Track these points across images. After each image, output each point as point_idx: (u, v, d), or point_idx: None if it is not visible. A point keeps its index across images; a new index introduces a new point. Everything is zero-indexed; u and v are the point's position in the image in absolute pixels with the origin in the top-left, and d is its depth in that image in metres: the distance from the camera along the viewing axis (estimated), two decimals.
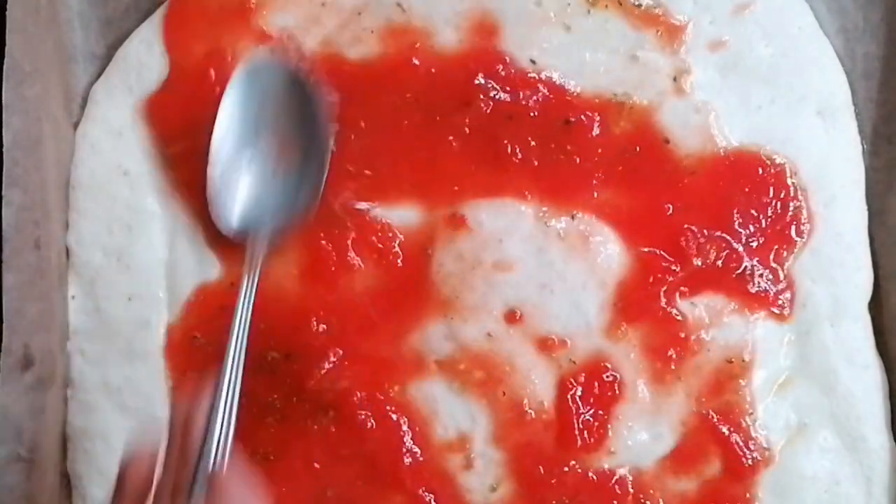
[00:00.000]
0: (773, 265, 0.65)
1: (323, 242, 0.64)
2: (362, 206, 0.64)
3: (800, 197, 0.65)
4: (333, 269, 0.63)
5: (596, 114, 0.64)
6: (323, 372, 0.63)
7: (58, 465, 0.64)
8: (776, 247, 0.65)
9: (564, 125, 0.64)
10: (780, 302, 0.64)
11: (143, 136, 0.65)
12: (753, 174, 0.65)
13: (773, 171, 0.65)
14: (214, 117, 0.62)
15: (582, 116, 0.64)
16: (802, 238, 0.65)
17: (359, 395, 0.63)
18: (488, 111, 0.64)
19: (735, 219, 0.64)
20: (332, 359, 0.63)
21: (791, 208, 0.65)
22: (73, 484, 0.65)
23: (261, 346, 0.62)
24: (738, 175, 0.65)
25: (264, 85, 0.63)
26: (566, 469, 0.63)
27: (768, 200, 0.65)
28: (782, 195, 0.65)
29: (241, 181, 0.63)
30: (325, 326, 0.63)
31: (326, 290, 0.63)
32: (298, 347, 0.63)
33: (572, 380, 0.63)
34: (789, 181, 0.65)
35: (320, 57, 0.65)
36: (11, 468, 0.60)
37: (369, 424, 0.63)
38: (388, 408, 0.63)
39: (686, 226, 0.64)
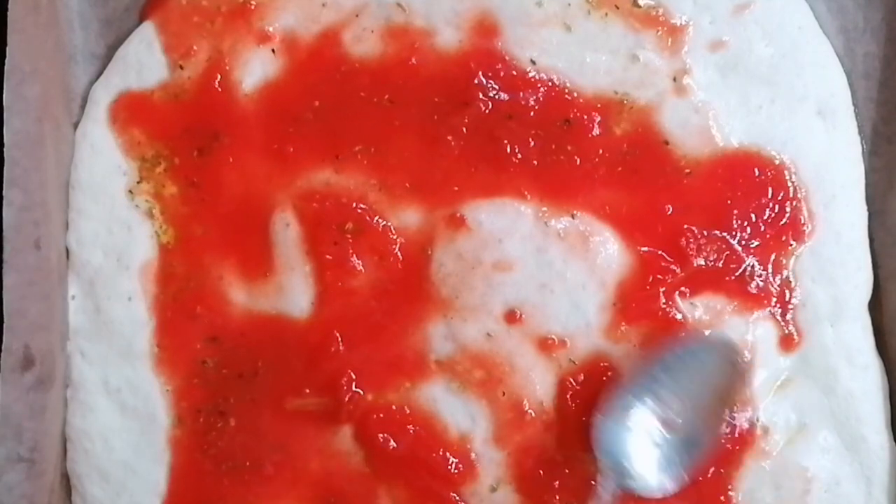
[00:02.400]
0: (773, 265, 0.65)
1: (329, 257, 0.64)
2: (362, 205, 0.64)
3: (800, 197, 0.65)
4: (340, 283, 0.63)
5: (596, 114, 0.64)
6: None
7: (58, 465, 0.64)
8: (776, 247, 0.65)
9: (564, 125, 0.64)
10: (779, 302, 0.64)
11: (137, 135, 0.66)
12: (753, 174, 0.65)
13: (772, 171, 0.65)
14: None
15: (582, 116, 0.64)
16: (802, 238, 0.65)
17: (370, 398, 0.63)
18: (488, 111, 0.64)
19: (735, 219, 0.64)
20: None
21: (790, 209, 0.65)
22: (72, 484, 0.65)
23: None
24: (737, 175, 0.65)
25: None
26: (566, 471, 0.63)
27: (768, 201, 0.65)
28: (781, 196, 0.65)
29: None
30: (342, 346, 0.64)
31: (338, 306, 0.64)
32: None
33: (572, 380, 0.63)
34: (789, 181, 0.65)
35: (320, 56, 0.65)
36: (11, 468, 0.60)
37: (380, 436, 0.63)
38: (392, 408, 0.63)
39: (686, 226, 0.64)
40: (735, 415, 0.62)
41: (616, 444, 0.60)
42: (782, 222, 0.65)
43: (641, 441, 0.60)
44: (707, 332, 0.63)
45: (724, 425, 0.62)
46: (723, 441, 0.62)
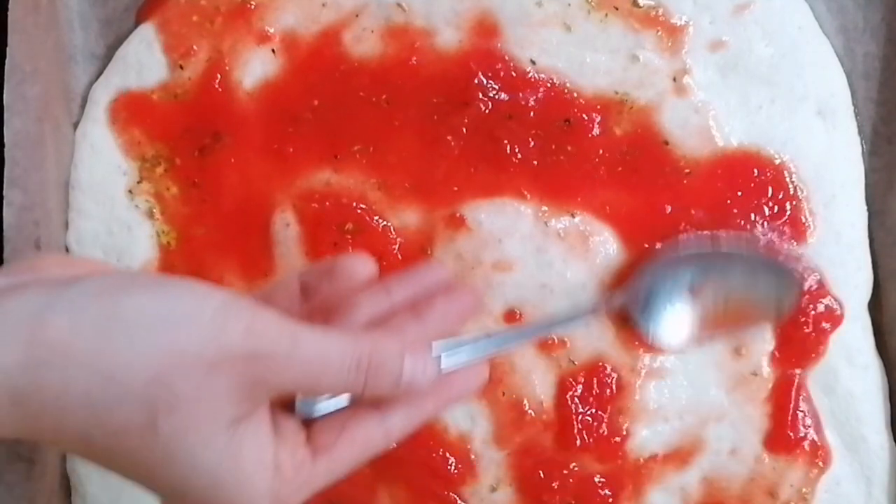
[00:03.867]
0: None
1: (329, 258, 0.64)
2: (362, 206, 0.64)
3: (800, 197, 0.65)
4: None
5: (596, 114, 0.64)
6: None
7: (58, 465, 0.64)
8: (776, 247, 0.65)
9: (564, 125, 0.64)
10: None
11: (137, 135, 0.66)
12: (753, 174, 0.65)
13: (772, 171, 0.65)
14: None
15: (582, 116, 0.64)
16: (803, 238, 0.64)
17: None
18: (488, 111, 0.64)
19: (735, 219, 0.64)
20: None
21: (790, 208, 0.65)
22: (72, 484, 0.65)
23: None
24: (737, 175, 0.64)
25: None
26: (566, 471, 0.63)
27: (767, 200, 0.64)
28: (781, 195, 0.65)
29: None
30: None
31: None
32: None
33: (572, 380, 0.63)
34: (789, 181, 0.65)
35: (320, 56, 0.65)
36: (11, 468, 0.60)
37: None
38: None
39: (685, 226, 0.64)
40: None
41: (654, 287, 0.60)
42: (782, 222, 0.65)
43: (673, 299, 0.60)
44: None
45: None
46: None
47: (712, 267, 0.61)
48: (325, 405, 0.45)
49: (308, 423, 0.44)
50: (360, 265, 0.50)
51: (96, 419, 0.38)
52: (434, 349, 0.45)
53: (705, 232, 0.63)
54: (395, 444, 0.47)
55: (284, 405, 0.44)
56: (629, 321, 0.62)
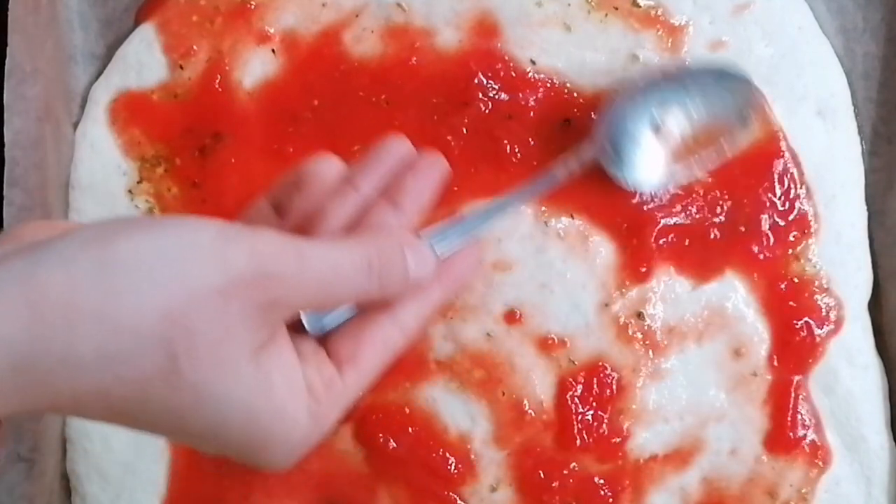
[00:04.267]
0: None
1: None
2: None
3: (804, 195, 0.65)
4: None
5: (596, 114, 0.64)
6: None
7: (58, 465, 0.64)
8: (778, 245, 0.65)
9: (564, 125, 0.64)
10: None
11: (137, 135, 0.66)
12: (754, 174, 0.65)
13: (776, 168, 0.65)
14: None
15: (582, 116, 0.64)
16: (806, 235, 0.64)
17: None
18: (487, 111, 0.64)
19: (739, 216, 0.64)
20: None
21: (798, 206, 0.64)
22: (72, 484, 0.65)
23: None
24: (737, 175, 0.64)
25: None
26: (566, 472, 0.63)
27: (768, 200, 0.64)
28: (790, 193, 0.64)
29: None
30: None
31: None
32: None
33: (572, 380, 0.63)
34: (797, 178, 0.64)
35: (320, 56, 0.65)
36: (11, 468, 0.60)
37: (379, 436, 0.63)
38: (392, 408, 0.63)
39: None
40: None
41: (617, 131, 0.60)
42: (783, 223, 0.65)
43: (639, 138, 0.60)
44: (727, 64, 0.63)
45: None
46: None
47: (668, 97, 0.61)
48: (334, 317, 0.44)
49: (322, 339, 0.44)
50: (326, 167, 0.48)
51: (112, 372, 0.35)
52: (424, 238, 0.45)
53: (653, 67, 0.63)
54: (413, 340, 0.46)
55: (295, 327, 0.43)
56: (604, 172, 0.61)
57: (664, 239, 0.64)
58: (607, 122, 0.61)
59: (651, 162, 0.61)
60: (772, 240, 0.64)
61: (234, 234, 0.38)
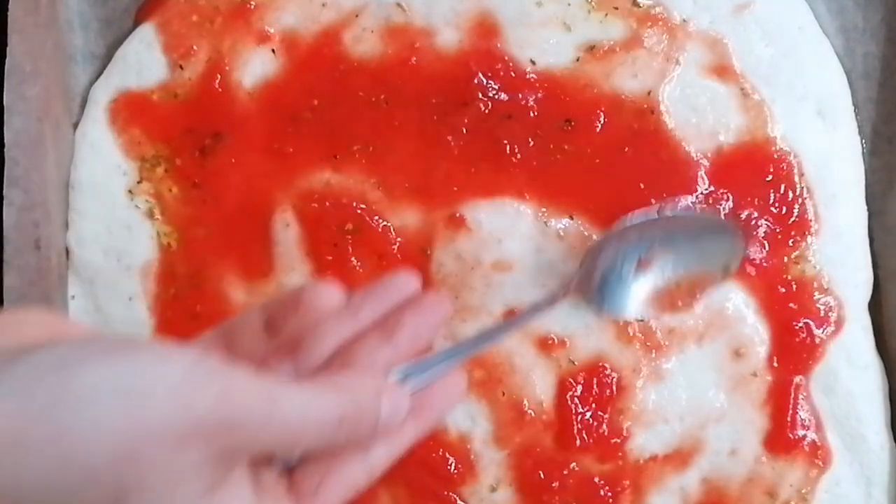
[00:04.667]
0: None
1: (329, 258, 0.64)
2: (361, 206, 0.64)
3: (804, 195, 0.65)
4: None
5: (596, 114, 0.64)
6: None
7: None
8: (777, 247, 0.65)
9: (564, 125, 0.64)
10: None
11: (137, 135, 0.66)
12: (755, 172, 0.65)
13: (776, 169, 0.65)
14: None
15: (582, 116, 0.64)
16: (806, 235, 0.65)
17: None
18: (487, 111, 0.64)
19: (739, 215, 0.64)
20: None
21: (798, 207, 0.64)
22: None
23: None
24: (738, 175, 0.64)
25: None
26: (566, 472, 0.63)
27: (769, 200, 0.64)
28: (788, 195, 0.64)
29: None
30: None
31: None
32: None
33: (572, 380, 0.63)
34: (796, 180, 0.64)
35: (320, 56, 0.65)
36: None
37: None
38: None
39: None
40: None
41: (604, 268, 0.61)
42: (784, 223, 0.64)
43: (624, 277, 0.61)
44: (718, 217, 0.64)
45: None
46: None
47: (659, 238, 0.61)
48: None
49: (288, 469, 0.43)
50: (327, 295, 0.46)
51: None
52: (400, 372, 0.44)
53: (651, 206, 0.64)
54: (377, 479, 0.45)
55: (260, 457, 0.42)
56: (586, 301, 0.61)
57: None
58: (596, 253, 0.61)
59: (631, 296, 0.61)
60: (768, 247, 0.64)
61: (206, 374, 0.37)
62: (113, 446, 0.34)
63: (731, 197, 0.64)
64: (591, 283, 0.60)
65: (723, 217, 0.64)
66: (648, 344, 0.64)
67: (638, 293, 0.61)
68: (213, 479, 0.37)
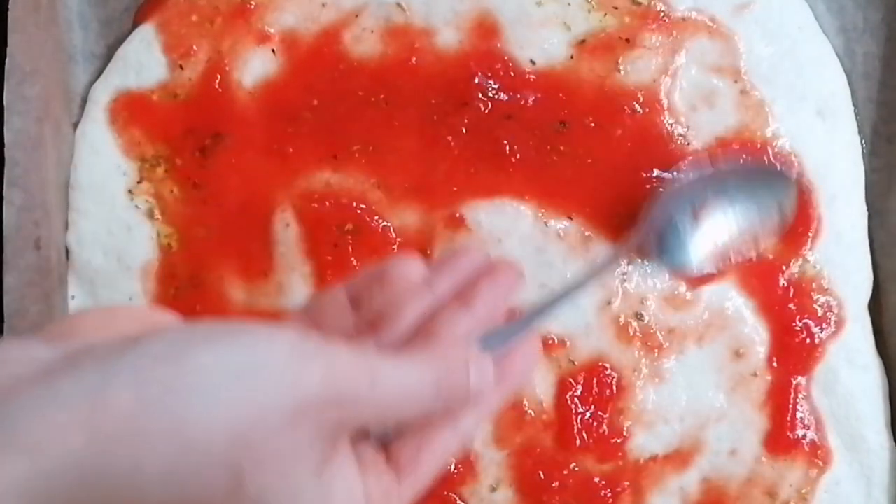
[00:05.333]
0: None
1: (329, 258, 0.64)
2: (361, 206, 0.64)
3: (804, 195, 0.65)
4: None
5: (596, 114, 0.64)
6: None
7: None
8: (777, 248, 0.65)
9: (564, 125, 0.64)
10: None
11: (137, 135, 0.66)
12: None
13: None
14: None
15: (582, 117, 0.64)
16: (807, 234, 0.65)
17: None
18: (487, 111, 0.64)
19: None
20: None
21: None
22: None
23: None
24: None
25: None
26: (566, 472, 0.63)
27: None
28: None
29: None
30: None
31: None
32: None
33: (572, 380, 0.63)
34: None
35: (320, 56, 0.65)
36: None
37: None
38: None
39: None
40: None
41: (662, 223, 0.61)
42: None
43: (681, 229, 0.61)
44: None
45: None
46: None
47: (712, 188, 0.61)
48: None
49: (383, 444, 0.44)
50: (409, 268, 0.47)
51: (178, 490, 0.35)
52: (481, 340, 0.45)
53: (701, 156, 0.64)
54: (468, 444, 0.46)
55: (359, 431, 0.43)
56: (646, 259, 0.62)
57: None
58: (653, 211, 0.61)
59: (693, 250, 0.61)
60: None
61: (311, 353, 0.37)
62: (228, 429, 0.35)
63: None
64: (649, 239, 0.60)
65: (772, 161, 0.64)
66: (649, 344, 0.64)
67: (699, 246, 0.61)
68: (323, 455, 0.38)
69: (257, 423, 0.35)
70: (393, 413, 0.40)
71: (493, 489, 0.63)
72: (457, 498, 0.63)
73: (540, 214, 0.64)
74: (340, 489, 0.39)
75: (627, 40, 0.64)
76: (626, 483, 0.63)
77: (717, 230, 0.61)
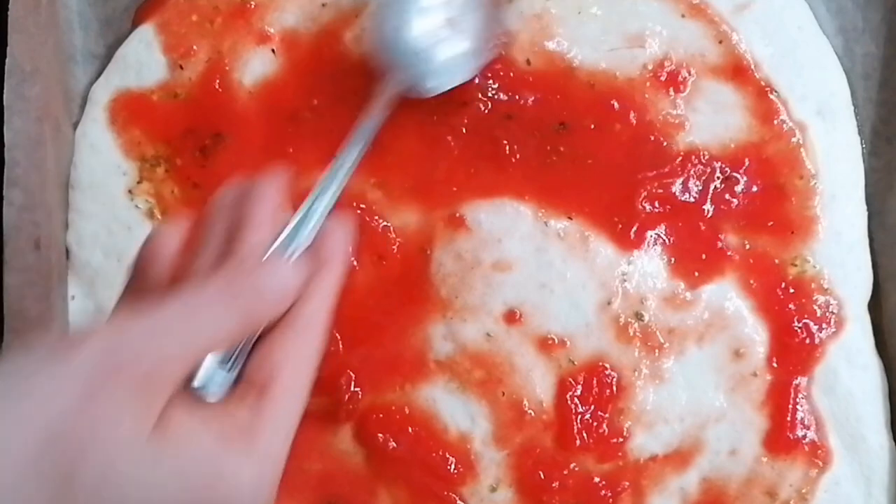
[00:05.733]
0: None
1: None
2: (361, 205, 0.64)
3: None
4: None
5: (595, 114, 0.64)
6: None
7: None
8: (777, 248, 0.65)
9: (563, 126, 0.64)
10: None
11: (137, 135, 0.66)
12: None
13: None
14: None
15: (581, 117, 0.64)
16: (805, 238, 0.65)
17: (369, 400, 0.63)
18: (487, 111, 0.64)
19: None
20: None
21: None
22: None
23: None
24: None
25: None
26: (566, 472, 0.63)
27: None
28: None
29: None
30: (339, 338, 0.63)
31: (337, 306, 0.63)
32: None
33: (572, 380, 0.63)
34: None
35: (320, 56, 0.65)
36: None
37: (379, 436, 0.63)
38: (392, 408, 0.63)
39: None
40: None
41: (403, 39, 0.60)
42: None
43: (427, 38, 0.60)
44: None
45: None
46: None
47: None
48: (218, 381, 0.43)
49: (234, 384, 0.43)
50: (164, 241, 0.49)
51: None
52: (281, 246, 0.46)
53: None
54: (328, 330, 0.46)
55: (190, 397, 0.42)
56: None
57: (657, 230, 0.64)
58: (386, 45, 0.60)
59: (446, 59, 0.60)
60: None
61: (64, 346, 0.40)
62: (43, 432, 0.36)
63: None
64: (406, 75, 0.60)
65: None
66: (649, 344, 0.64)
67: (446, 51, 0.60)
68: (145, 419, 0.38)
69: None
70: (201, 352, 0.41)
71: (493, 489, 0.63)
72: (457, 498, 0.63)
73: (540, 214, 0.64)
74: (181, 442, 0.39)
75: (628, 41, 0.64)
76: (626, 483, 0.63)
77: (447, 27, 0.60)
